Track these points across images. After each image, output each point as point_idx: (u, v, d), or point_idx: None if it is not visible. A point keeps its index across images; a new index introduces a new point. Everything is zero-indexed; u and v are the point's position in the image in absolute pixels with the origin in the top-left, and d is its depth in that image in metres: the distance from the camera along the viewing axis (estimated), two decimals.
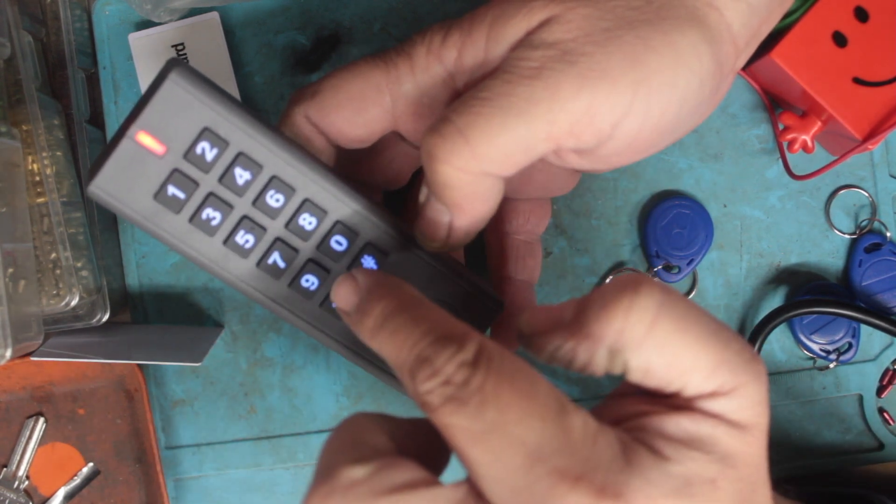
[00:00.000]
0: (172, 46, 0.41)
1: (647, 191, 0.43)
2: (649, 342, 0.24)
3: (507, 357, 0.23)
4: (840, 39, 0.38)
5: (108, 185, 0.28)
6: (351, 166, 0.35)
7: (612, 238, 0.43)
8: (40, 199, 0.39)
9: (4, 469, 0.43)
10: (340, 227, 0.31)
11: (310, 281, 0.31)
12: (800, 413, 0.44)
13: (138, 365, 0.42)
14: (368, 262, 0.31)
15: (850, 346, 0.43)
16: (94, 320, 0.40)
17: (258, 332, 0.43)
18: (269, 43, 0.43)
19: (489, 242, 0.38)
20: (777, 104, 0.43)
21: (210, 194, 0.29)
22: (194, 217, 0.29)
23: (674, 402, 0.24)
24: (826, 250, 0.43)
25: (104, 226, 0.42)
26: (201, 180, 0.29)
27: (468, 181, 0.28)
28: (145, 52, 0.41)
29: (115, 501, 0.43)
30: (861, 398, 0.44)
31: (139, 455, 0.43)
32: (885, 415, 0.44)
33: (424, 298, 0.26)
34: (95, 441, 0.43)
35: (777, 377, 0.44)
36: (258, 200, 0.30)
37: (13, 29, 0.38)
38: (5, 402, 0.43)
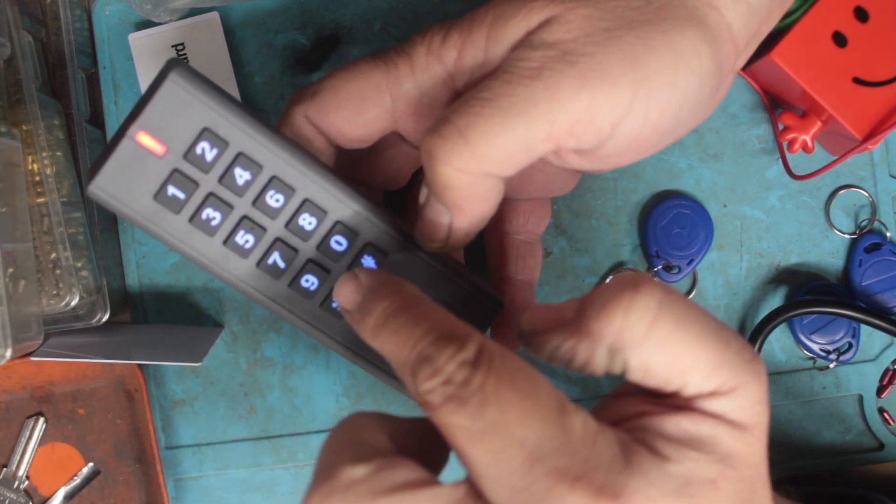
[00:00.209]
0: (172, 46, 0.41)
1: (647, 191, 0.43)
2: (649, 341, 0.24)
3: (507, 357, 0.23)
4: (840, 39, 0.38)
5: (108, 185, 0.28)
6: (351, 166, 0.35)
7: (612, 238, 0.43)
8: (40, 199, 0.39)
9: (4, 469, 0.43)
10: (340, 227, 0.31)
11: (310, 281, 0.31)
12: (800, 413, 0.44)
13: (138, 365, 0.42)
14: (368, 262, 0.31)
15: (850, 346, 0.43)
16: (94, 320, 0.40)
17: (258, 332, 0.43)
18: (269, 43, 0.43)
19: (489, 242, 0.38)
20: (777, 104, 0.43)
21: (210, 194, 0.29)
22: (194, 217, 0.29)
23: (674, 402, 0.24)
24: (826, 250, 0.43)
25: (104, 226, 0.42)
26: (201, 180, 0.29)
27: (468, 182, 0.28)
28: (145, 52, 0.41)
29: (115, 501, 0.43)
30: (861, 398, 0.44)
31: (139, 455, 0.43)
32: (885, 415, 0.44)
33: (427, 298, 0.26)
34: (95, 441, 0.43)
35: (777, 377, 0.44)
36: (258, 200, 0.30)
37: (13, 29, 0.38)
38: (5, 402, 0.43)
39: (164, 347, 0.41)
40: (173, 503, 0.44)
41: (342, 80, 0.31)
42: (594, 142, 0.28)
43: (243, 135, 0.29)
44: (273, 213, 0.30)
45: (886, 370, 0.44)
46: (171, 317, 0.43)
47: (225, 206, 0.29)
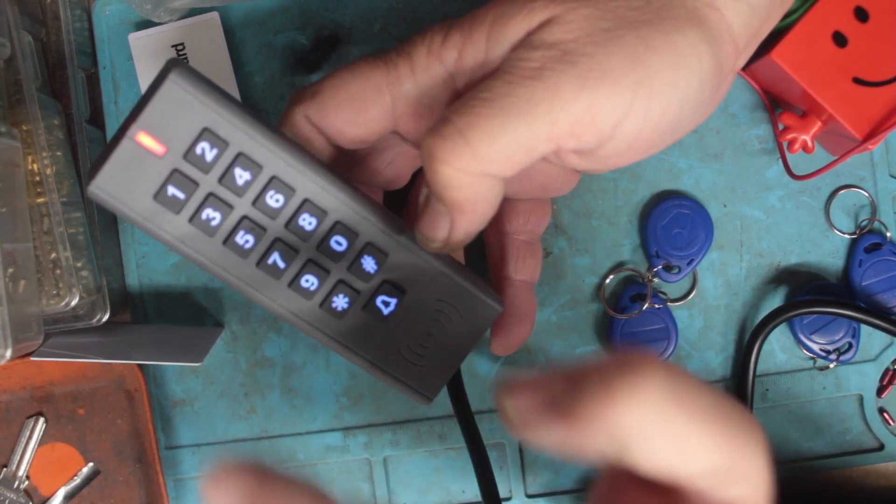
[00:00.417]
0: (172, 46, 0.41)
1: (647, 191, 0.43)
2: (654, 429, 0.21)
3: None
4: (840, 39, 0.38)
5: (108, 185, 0.28)
6: (351, 166, 0.35)
7: (612, 238, 0.43)
8: (40, 199, 0.39)
9: (4, 469, 0.43)
10: (340, 227, 0.31)
11: (310, 281, 0.31)
12: (800, 413, 0.44)
13: (138, 365, 0.42)
14: (368, 262, 0.31)
15: (850, 346, 0.43)
16: (94, 320, 0.40)
17: (258, 332, 0.43)
18: (269, 43, 0.43)
19: (489, 242, 0.38)
20: (777, 104, 0.43)
21: (210, 195, 0.29)
22: (194, 217, 0.29)
23: (678, 498, 0.22)
24: (826, 250, 0.43)
25: (104, 226, 0.42)
26: (201, 181, 0.29)
27: (468, 182, 0.28)
28: (145, 52, 0.41)
29: (115, 501, 0.43)
30: (861, 398, 0.44)
31: (139, 455, 0.43)
32: (885, 415, 0.44)
33: None
34: (95, 441, 0.43)
35: (777, 377, 0.44)
36: (258, 201, 0.30)
37: (13, 29, 0.38)
38: (5, 402, 0.43)
39: (164, 347, 0.41)
40: (173, 503, 0.44)
41: (342, 80, 0.31)
42: (595, 142, 0.28)
43: (243, 135, 0.29)
44: (273, 214, 0.30)
45: (886, 370, 0.44)
46: (171, 317, 0.43)
47: (225, 207, 0.29)
